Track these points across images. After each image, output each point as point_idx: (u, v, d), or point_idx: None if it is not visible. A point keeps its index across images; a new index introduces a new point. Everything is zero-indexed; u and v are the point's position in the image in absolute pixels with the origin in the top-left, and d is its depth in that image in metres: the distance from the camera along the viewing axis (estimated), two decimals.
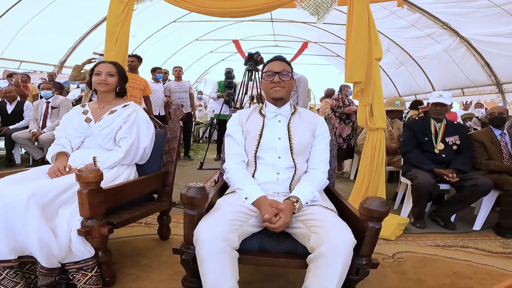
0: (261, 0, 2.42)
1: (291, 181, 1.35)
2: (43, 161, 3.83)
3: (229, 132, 1.46)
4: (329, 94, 5.63)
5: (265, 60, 3.13)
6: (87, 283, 1.25)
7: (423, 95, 7.98)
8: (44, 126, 3.69)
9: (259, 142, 1.38)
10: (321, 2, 2.45)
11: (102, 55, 2.90)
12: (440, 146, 2.60)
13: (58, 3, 4.63)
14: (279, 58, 1.48)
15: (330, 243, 0.98)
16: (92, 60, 3.81)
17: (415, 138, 2.65)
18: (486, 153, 2.58)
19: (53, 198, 1.24)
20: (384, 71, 8.48)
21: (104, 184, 1.29)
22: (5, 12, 4.31)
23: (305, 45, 8.21)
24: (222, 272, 0.99)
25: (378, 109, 2.24)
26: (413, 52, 6.63)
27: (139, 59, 3.69)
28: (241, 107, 2.73)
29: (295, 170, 1.36)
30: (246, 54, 2.81)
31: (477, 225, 2.47)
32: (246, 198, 1.22)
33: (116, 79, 1.63)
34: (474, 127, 4.68)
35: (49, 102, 3.77)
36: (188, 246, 1.05)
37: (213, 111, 6.23)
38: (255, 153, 1.38)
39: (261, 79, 1.54)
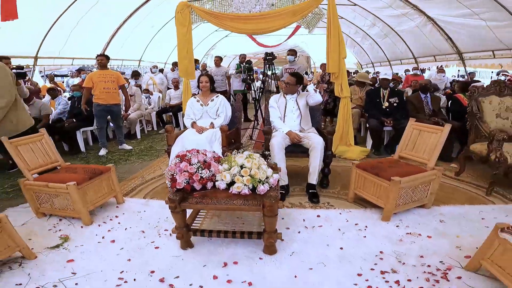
0: (273, 23, 4.18)
1: (300, 122, 3.26)
2: (129, 134, 5.78)
3: (272, 105, 3.34)
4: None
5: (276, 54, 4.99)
6: None
7: (406, 60, 9.75)
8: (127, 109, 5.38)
9: (285, 110, 3.29)
10: (310, 20, 4.21)
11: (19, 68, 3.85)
12: (386, 104, 4.52)
13: None
14: (291, 74, 3.33)
15: (317, 142, 2.91)
16: None
17: (371, 101, 4.58)
18: (414, 109, 4.52)
19: (211, 139, 3.11)
20: (374, 40, 10.14)
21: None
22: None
23: (297, 28, 9.87)
24: (282, 157, 2.93)
25: (345, 87, 4.11)
26: (394, 26, 8.24)
27: (107, 58, 4.68)
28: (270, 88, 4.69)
29: (301, 117, 3.27)
30: (264, 53, 4.66)
31: None
32: (283, 131, 3.14)
33: (210, 83, 3.52)
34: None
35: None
36: (267, 149, 3.02)
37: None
38: (284, 114, 3.28)
39: (280, 79, 3.45)
